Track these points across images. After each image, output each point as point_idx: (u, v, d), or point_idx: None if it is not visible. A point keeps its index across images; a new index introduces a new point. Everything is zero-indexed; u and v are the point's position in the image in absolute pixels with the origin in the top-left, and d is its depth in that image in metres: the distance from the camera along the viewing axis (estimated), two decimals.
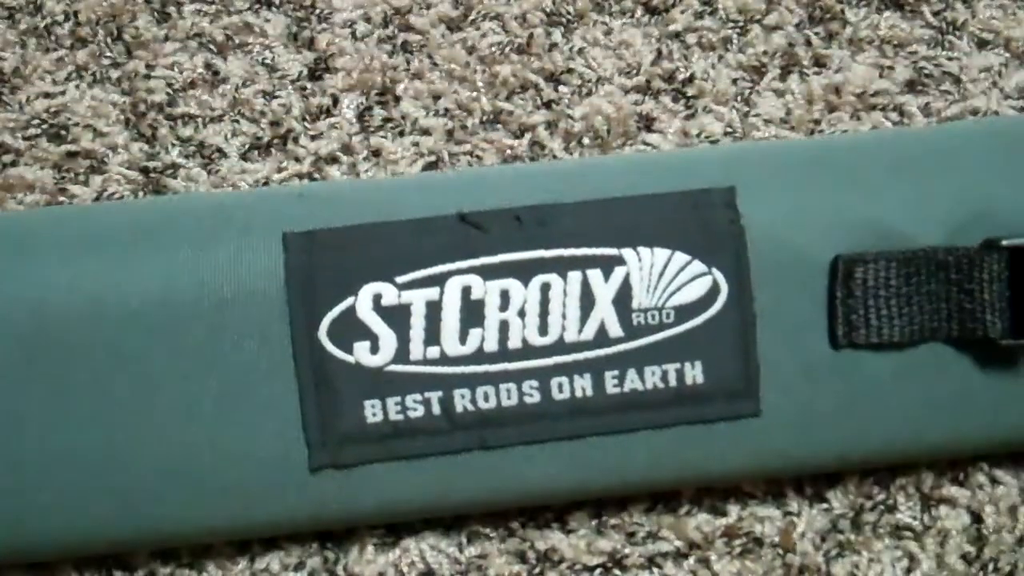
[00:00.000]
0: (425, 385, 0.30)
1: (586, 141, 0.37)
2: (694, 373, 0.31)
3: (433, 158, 0.36)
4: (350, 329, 0.30)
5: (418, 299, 0.30)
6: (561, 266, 0.31)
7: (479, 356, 0.30)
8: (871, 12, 0.38)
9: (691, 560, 0.34)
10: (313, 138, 0.36)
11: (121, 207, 0.33)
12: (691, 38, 0.38)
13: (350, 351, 0.30)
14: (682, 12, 0.38)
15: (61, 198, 0.35)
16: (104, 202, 0.35)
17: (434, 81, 0.37)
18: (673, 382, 0.31)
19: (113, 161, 0.36)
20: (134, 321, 0.30)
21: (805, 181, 0.32)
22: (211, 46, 0.37)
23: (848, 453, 0.33)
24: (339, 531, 0.34)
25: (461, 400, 0.30)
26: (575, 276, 0.31)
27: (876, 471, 0.35)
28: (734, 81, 0.37)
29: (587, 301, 0.31)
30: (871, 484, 0.35)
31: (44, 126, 0.36)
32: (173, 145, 0.36)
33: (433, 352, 0.30)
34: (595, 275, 0.31)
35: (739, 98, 0.37)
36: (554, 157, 0.36)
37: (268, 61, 0.37)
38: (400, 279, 0.30)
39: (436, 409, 0.30)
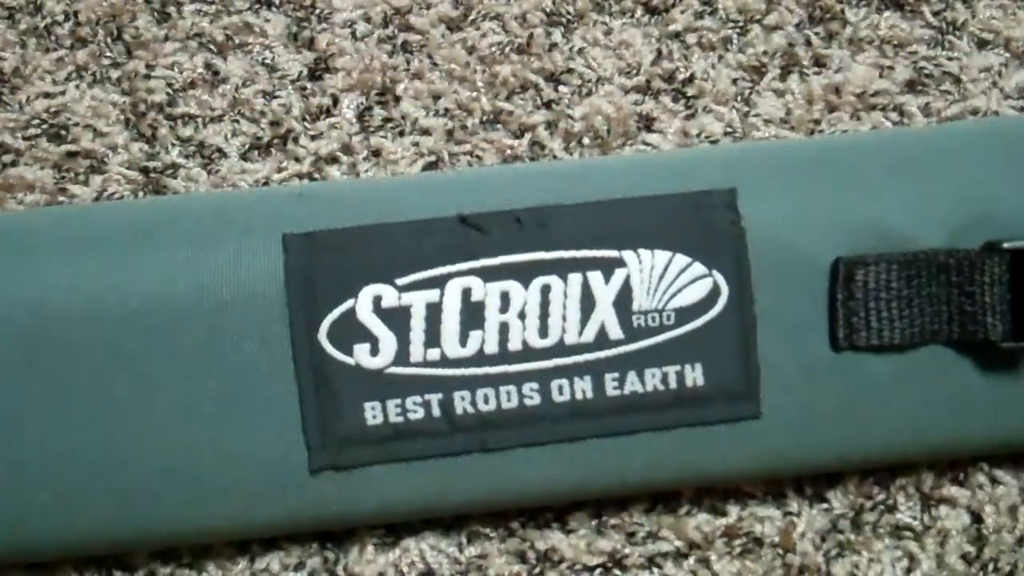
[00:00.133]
0: (425, 387, 0.30)
1: (586, 141, 0.37)
2: (694, 375, 0.31)
3: (433, 158, 0.36)
4: (350, 331, 0.30)
5: (418, 301, 0.30)
6: (561, 268, 0.31)
7: (479, 358, 0.30)
8: (871, 12, 0.38)
9: (691, 560, 0.34)
10: (313, 138, 0.36)
11: (121, 207, 0.33)
12: (691, 38, 0.38)
13: (350, 353, 0.30)
14: (682, 12, 0.38)
15: (61, 198, 0.35)
16: (104, 202, 0.35)
17: (434, 81, 0.37)
18: (673, 384, 0.31)
19: (113, 161, 0.36)
20: (134, 321, 0.30)
21: (806, 182, 0.32)
22: (211, 46, 0.37)
23: (848, 455, 0.33)
24: (339, 531, 0.34)
25: (461, 402, 0.30)
26: (575, 278, 0.31)
27: (876, 471, 0.35)
28: (734, 81, 0.37)
29: (587, 303, 0.31)
30: (871, 484, 0.35)
31: (44, 126, 0.36)
32: (173, 145, 0.36)
33: (433, 354, 0.30)
34: (595, 277, 0.31)
35: (739, 98, 0.37)
36: (554, 157, 0.36)
37: (268, 61, 0.37)
38: (400, 281, 0.30)
39: (436, 411, 0.30)
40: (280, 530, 0.33)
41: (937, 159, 0.33)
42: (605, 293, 0.31)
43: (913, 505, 0.35)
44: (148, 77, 0.36)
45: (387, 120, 0.37)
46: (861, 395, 0.32)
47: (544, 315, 0.31)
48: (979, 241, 0.31)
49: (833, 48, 0.38)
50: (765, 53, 0.38)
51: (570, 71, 0.37)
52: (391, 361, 0.30)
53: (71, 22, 0.37)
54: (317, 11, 0.37)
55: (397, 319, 0.30)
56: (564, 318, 0.31)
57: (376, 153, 0.36)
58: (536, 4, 0.38)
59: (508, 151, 0.36)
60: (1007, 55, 0.38)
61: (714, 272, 0.31)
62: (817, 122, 0.37)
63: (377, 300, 0.30)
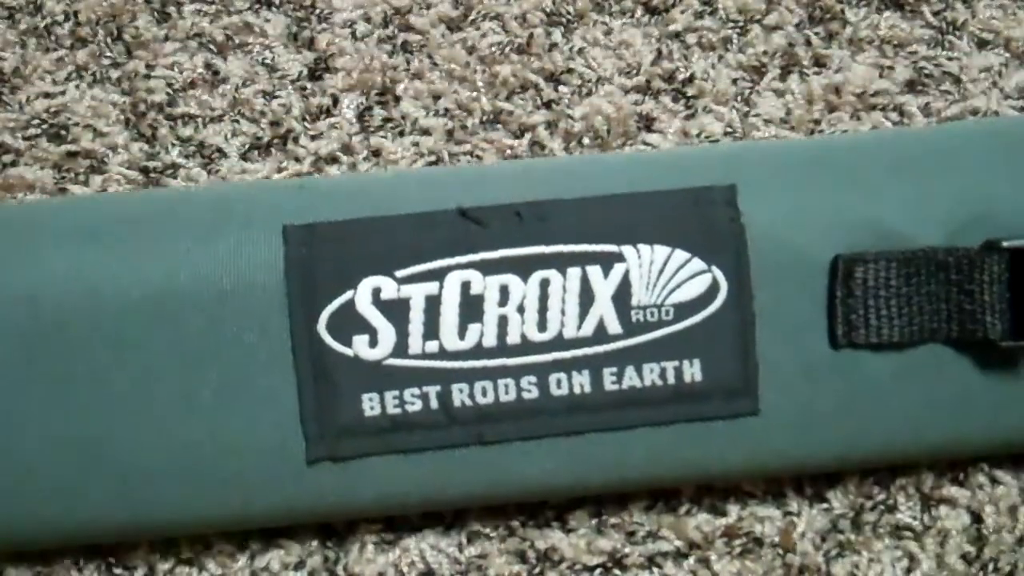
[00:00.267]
0: (423, 379, 0.30)
1: (586, 141, 0.37)
2: (693, 371, 0.31)
3: (433, 158, 0.36)
4: (349, 322, 0.30)
5: (417, 293, 0.30)
6: (561, 262, 0.31)
7: (478, 351, 0.30)
8: (871, 12, 0.38)
9: (691, 560, 0.34)
10: (313, 138, 0.36)
11: (121, 198, 0.33)
12: (691, 38, 0.38)
13: (349, 344, 0.30)
14: (682, 12, 0.38)
15: None
16: (103, 193, 0.35)
17: (434, 81, 0.37)
18: (672, 380, 0.31)
19: (113, 161, 0.36)
20: (133, 312, 0.30)
21: (805, 180, 0.32)
22: (211, 46, 0.37)
23: (847, 453, 0.33)
24: (339, 530, 0.34)
25: (459, 395, 0.30)
26: (575, 272, 0.31)
27: (876, 471, 0.35)
28: (734, 81, 0.37)
29: (586, 298, 0.31)
30: (871, 484, 0.35)
31: (44, 126, 0.36)
32: (173, 145, 0.36)
33: (432, 346, 0.30)
34: (595, 272, 0.31)
35: (739, 98, 0.37)
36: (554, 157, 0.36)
37: (268, 61, 0.37)
38: (399, 273, 0.30)
39: (434, 403, 0.30)
40: (277, 520, 0.33)
41: (937, 159, 0.33)
42: (604, 288, 0.31)
43: (913, 505, 0.35)
44: (148, 77, 0.36)
45: (387, 120, 0.37)
46: (860, 393, 0.32)
47: (543, 309, 0.31)
48: (979, 240, 0.31)
49: (833, 48, 0.38)
50: (765, 53, 0.38)
51: (570, 71, 0.37)
52: (389, 353, 0.30)
53: (71, 22, 0.37)
54: (317, 11, 0.37)
55: (396, 311, 0.30)
56: (563, 312, 0.31)
57: (376, 153, 0.36)
58: (536, 4, 0.38)
59: (508, 151, 0.36)
60: (1007, 55, 0.38)
61: (713, 268, 0.31)
62: (817, 122, 0.37)
63: (376, 292, 0.30)
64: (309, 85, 0.37)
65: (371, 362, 0.30)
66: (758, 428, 0.31)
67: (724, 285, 0.31)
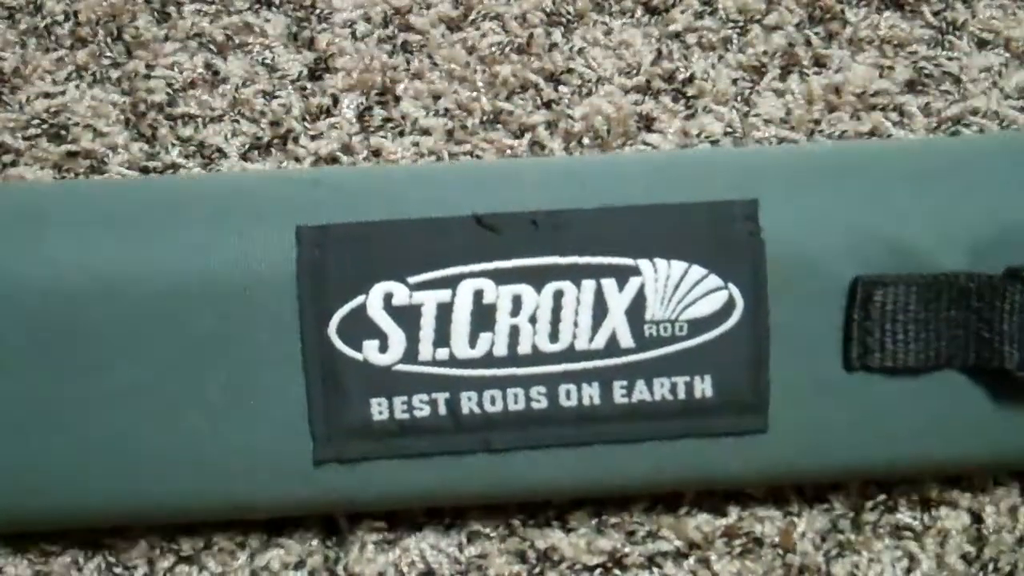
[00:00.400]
0: (432, 386, 0.30)
1: (586, 141, 0.37)
2: (703, 387, 0.31)
3: (433, 158, 0.36)
4: (360, 327, 0.30)
5: (429, 300, 0.30)
6: (575, 274, 0.30)
7: (488, 360, 0.30)
8: (871, 12, 0.38)
9: (691, 560, 0.34)
10: (313, 138, 0.36)
11: (134, 185, 0.33)
12: (691, 38, 0.38)
13: (359, 349, 0.30)
14: (682, 12, 0.38)
15: None
16: (117, 179, 0.35)
17: (434, 81, 0.37)
18: (682, 395, 0.31)
19: (113, 161, 0.36)
20: (144, 305, 0.30)
21: (827, 194, 0.32)
22: (211, 46, 0.37)
23: (853, 472, 0.33)
24: (340, 530, 0.34)
25: (468, 402, 0.30)
26: (589, 284, 0.31)
27: None
28: (734, 81, 0.37)
29: (600, 310, 0.31)
30: (872, 485, 0.35)
31: (44, 126, 0.36)
32: (173, 145, 0.36)
33: (442, 354, 0.30)
34: (609, 284, 0.31)
35: (739, 98, 0.37)
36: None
37: (268, 61, 0.37)
38: (412, 279, 0.30)
39: (442, 410, 0.30)
40: (281, 515, 0.33)
41: (962, 175, 0.32)
42: (618, 301, 0.31)
43: (913, 505, 0.35)
44: (148, 77, 0.36)
45: (387, 120, 0.37)
46: (870, 416, 0.31)
47: (555, 320, 0.30)
48: (1001, 262, 0.31)
49: (833, 48, 0.38)
50: (765, 53, 0.38)
51: (570, 71, 0.37)
52: (399, 359, 0.30)
53: (71, 22, 0.37)
54: (317, 11, 0.37)
55: (407, 317, 0.30)
56: (575, 324, 0.31)
57: (376, 153, 0.36)
58: (536, 4, 0.38)
59: (508, 151, 0.36)
60: (1007, 55, 0.38)
61: (730, 285, 0.31)
62: (817, 122, 0.37)
63: (388, 297, 0.30)
64: (309, 85, 0.37)
65: (381, 367, 0.30)
66: (766, 445, 0.31)
67: (740, 303, 0.31)
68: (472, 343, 0.30)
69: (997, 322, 0.31)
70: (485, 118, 0.37)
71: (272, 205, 0.31)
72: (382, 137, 0.36)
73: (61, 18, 0.37)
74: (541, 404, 0.31)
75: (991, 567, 0.35)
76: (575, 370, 0.31)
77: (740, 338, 0.31)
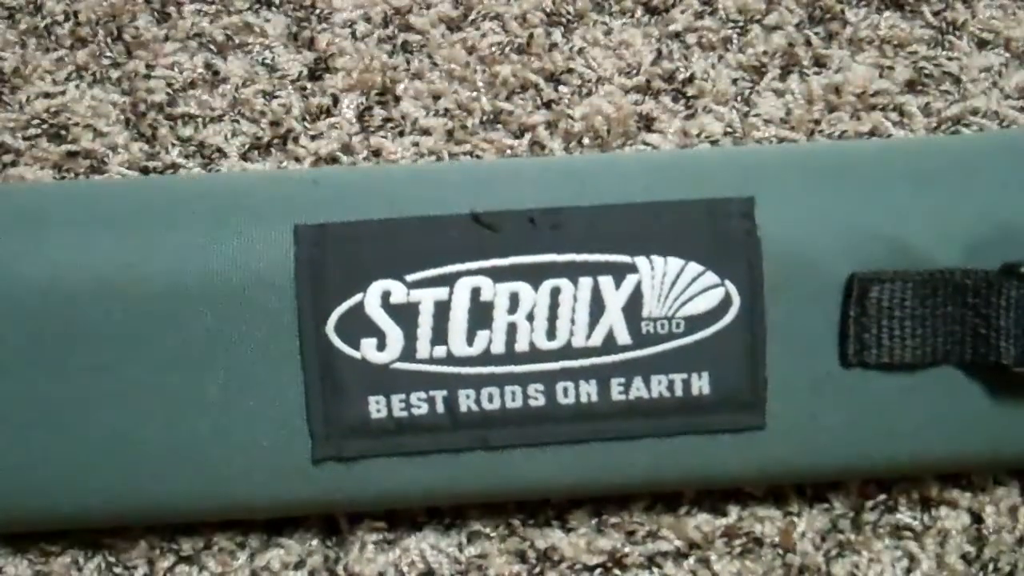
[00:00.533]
0: (430, 384, 0.30)
1: (586, 141, 0.37)
2: (700, 384, 0.31)
3: (433, 158, 0.36)
4: (358, 325, 0.30)
5: (427, 298, 0.30)
6: (572, 271, 0.31)
7: (485, 357, 0.30)
8: (871, 12, 0.38)
9: (691, 560, 0.34)
10: (313, 138, 0.36)
11: (133, 185, 0.34)
12: (691, 38, 0.38)
13: (357, 347, 0.30)
14: (682, 12, 0.38)
15: None
16: (116, 179, 0.35)
17: (434, 81, 0.37)
18: (679, 392, 0.31)
19: (113, 161, 0.36)
20: (143, 304, 0.30)
21: (825, 192, 0.32)
22: (211, 46, 0.37)
23: (851, 468, 0.33)
24: (340, 530, 0.34)
25: (465, 400, 0.30)
26: (586, 282, 0.31)
27: None
28: (734, 81, 0.37)
29: (597, 307, 0.31)
30: (872, 485, 0.35)
31: (44, 126, 0.36)
32: (173, 145, 0.36)
33: (440, 351, 0.30)
34: (606, 282, 0.31)
35: (739, 98, 0.37)
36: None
37: (268, 61, 0.37)
38: (410, 277, 0.30)
39: (440, 408, 0.30)
40: (280, 515, 0.33)
41: (960, 173, 0.32)
42: (615, 298, 0.31)
43: (913, 505, 0.35)
44: (148, 77, 0.36)
45: (387, 120, 0.37)
46: (867, 412, 0.32)
47: (552, 317, 0.31)
48: (998, 259, 0.31)
49: (833, 48, 0.38)
50: (765, 53, 0.38)
51: (570, 71, 0.37)
52: (397, 357, 0.30)
53: (71, 22, 0.37)
54: (317, 11, 0.37)
55: (405, 315, 0.30)
56: (573, 321, 0.31)
57: (376, 153, 0.36)
58: (536, 4, 0.38)
59: (508, 151, 0.36)
60: (1007, 55, 0.38)
61: (727, 282, 0.31)
62: (817, 122, 0.37)
63: (386, 295, 0.30)
64: (309, 85, 0.37)
65: (378, 365, 0.30)
66: (763, 442, 0.31)
67: (737, 299, 0.31)
68: (470, 341, 0.30)
69: (993, 318, 0.31)
70: (485, 118, 0.37)
71: (271, 205, 0.31)
72: (382, 137, 0.36)
73: (61, 18, 0.37)
74: (539, 402, 0.31)
75: (991, 567, 0.35)
76: (572, 367, 0.31)
77: (737, 335, 0.31)
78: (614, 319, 0.31)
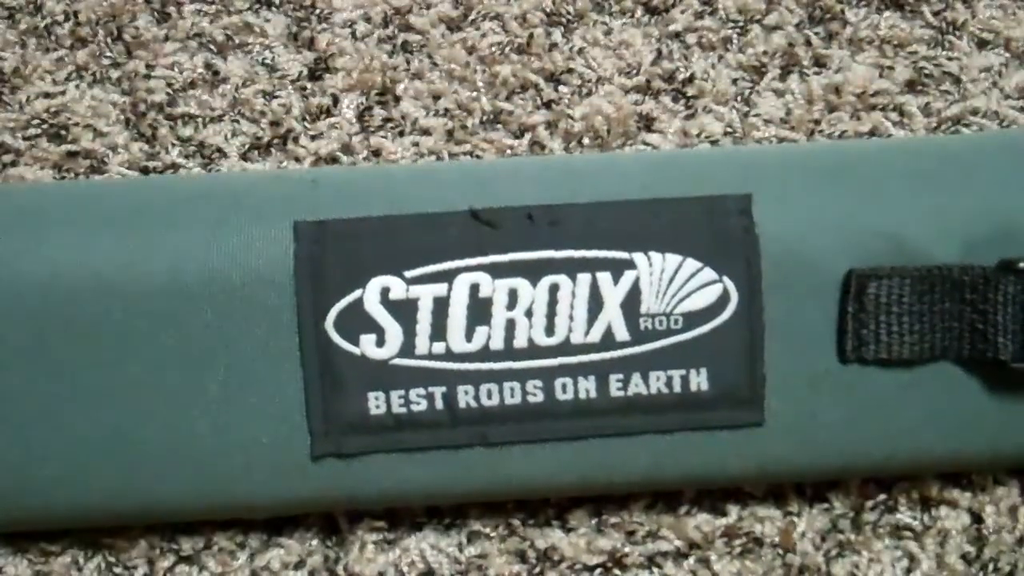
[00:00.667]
0: (429, 380, 0.30)
1: (586, 141, 0.37)
2: (699, 380, 0.31)
3: (433, 158, 0.36)
4: (357, 321, 0.30)
5: (426, 294, 0.30)
6: (571, 267, 0.31)
7: (484, 354, 0.30)
8: (871, 12, 0.38)
9: (691, 560, 0.34)
10: (313, 138, 0.36)
11: (133, 184, 0.34)
12: (691, 38, 0.38)
13: (356, 343, 0.30)
14: (682, 12, 0.38)
15: None
16: (116, 179, 0.35)
17: (434, 81, 0.37)
18: (677, 388, 0.31)
19: (113, 161, 0.36)
20: (143, 302, 0.30)
21: (822, 190, 0.32)
22: (211, 46, 0.37)
23: (849, 465, 0.33)
24: (340, 529, 0.34)
25: (464, 396, 0.30)
26: (584, 278, 0.31)
27: None
28: (734, 81, 0.37)
29: (595, 303, 0.31)
30: (872, 485, 0.35)
31: (44, 126, 0.36)
32: (173, 145, 0.36)
33: (439, 348, 0.30)
34: (604, 278, 0.31)
35: (739, 98, 0.37)
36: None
37: (268, 61, 0.37)
38: (409, 273, 0.30)
39: (439, 404, 0.30)
40: (280, 513, 0.33)
41: (957, 171, 0.32)
42: (613, 294, 0.31)
43: (913, 505, 0.35)
44: (148, 77, 0.36)
45: (387, 120, 0.37)
46: (866, 408, 0.32)
47: (551, 314, 0.31)
48: (995, 257, 0.31)
49: (833, 48, 0.38)
50: (765, 53, 0.38)
51: (570, 71, 0.37)
52: (396, 353, 0.30)
53: (71, 22, 0.37)
54: (317, 11, 0.37)
55: (404, 311, 0.30)
56: (571, 317, 0.31)
57: (376, 153, 0.36)
58: (536, 4, 0.38)
59: (508, 151, 0.36)
60: (1007, 55, 0.38)
61: (724, 278, 0.31)
62: (817, 122, 0.37)
63: (385, 292, 0.30)
64: (309, 85, 0.37)
65: (378, 361, 0.30)
66: (762, 438, 0.31)
67: (735, 296, 0.31)
68: (468, 337, 0.30)
69: (991, 313, 0.31)
70: (485, 118, 0.37)
71: (270, 204, 0.31)
72: (382, 137, 0.36)
73: (61, 18, 0.37)
74: (537, 398, 0.31)
75: (991, 567, 0.35)
76: (571, 364, 0.31)
77: (735, 331, 0.31)
78: (612, 315, 0.31)
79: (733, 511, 0.35)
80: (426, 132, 0.37)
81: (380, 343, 0.30)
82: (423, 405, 0.30)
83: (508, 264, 0.30)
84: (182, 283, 0.30)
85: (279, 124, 0.36)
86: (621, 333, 0.31)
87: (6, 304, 0.30)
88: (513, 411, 0.31)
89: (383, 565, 0.34)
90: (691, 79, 0.37)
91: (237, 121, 0.36)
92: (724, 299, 0.31)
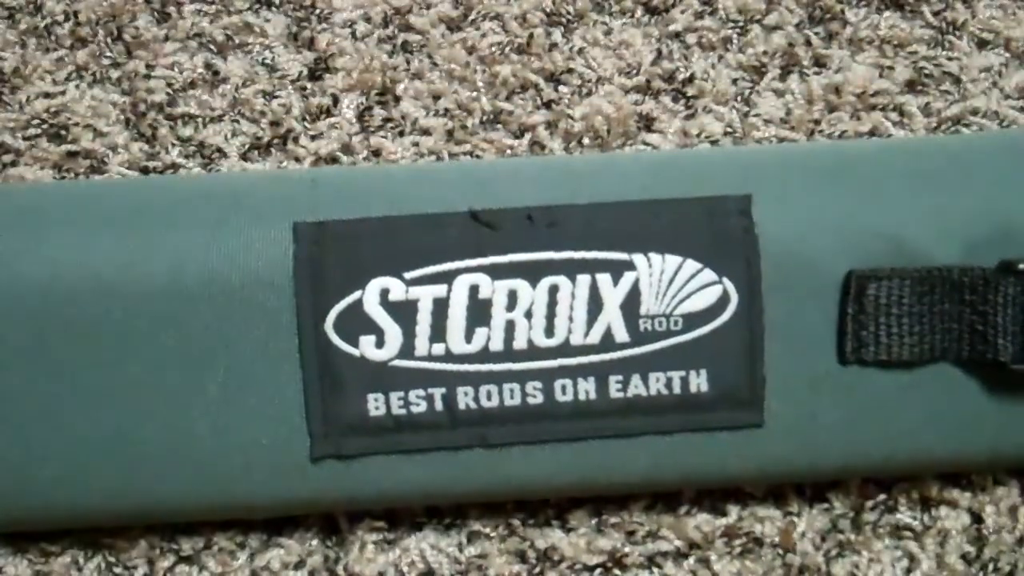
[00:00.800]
0: (429, 381, 0.30)
1: (586, 141, 0.37)
2: (699, 381, 0.31)
3: (433, 158, 0.36)
4: (356, 322, 0.30)
5: (425, 295, 0.30)
6: (570, 268, 0.31)
7: (484, 355, 0.30)
8: (871, 12, 0.38)
9: (691, 560, 0.34)
10: (313, 138, 0.36)
11: (133, 185, 0.34)
12: (691, 38, 0.38)
13: (356, 344, 0.30)
14: (682, 12, 0.38)
15: None
16: (116, 179, 0.35)
17: (434, 81, 0.37)
18: (677, 389, 0.31)
19: (113, 161, 0.36)
20: (143, 303, 0.30)
21: (823, 190, 0.32)
22: (211, 46, 0.37)
23: (849, 466, 0.33)
24: (340, 529, 0.34)
25: (464, 397, 0.30)
26: (584, 279, 0.31)
27: None
28: (734, 81, 0.37)
29: (595, 305, 0.31)
30: (871, 485, 0.35)
31: (44, 126, 0.36)
32: (173, 145, 0.36)
33: (438, 349, 0.30)
34: (604, 279, 0.31)
35: (739, 98, 0.37)
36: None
37: (268, 61, 0.37)
38: (408, 275, 0.30)
39: (439, 405, 0.30)
40: (279, 513, 0.33)
41: (957, 171, 0.32)
42: (613, 295, 0.31)
43: (913, 505, 0.35)
44: (148, 77, 0.36)
45: (387, 120, 0.37)
46: (865, 409, 0.32)
47: (551, 315, 0.31)
48: (995, 258, 0.31)
49: (833, 48, 0.38)
50: (765, 53, 0.38)
51: (570, 71, 0.37)
52: (396, 354, 0.30)
53: (71, 22, 0.37)
54: (317, 11, 0.37)
55: (403, 313, 0.30)
56: (571, 319, 0.31)
57: (376, 153, 0.36)
58: (536, 4, 0.38)
59: (508, 151, 0.36)
60: (1007, 55, 0.38)
61: (724, 279, 0.31)
62: (817, 122, 0.37)
63: (384, 293, 0.30)
64: (309, 85, 0.37)
65: (377, 363, 0.30)
66: (761, 439, 0.31)
67: (735, 297, 0.31)
68: (468, 338, 0.30)
69: (991, 315, 0.31)
70: (485, 118, 0.37)
71: (270, 205, 0.31)
72: (382, 137, 0.36)
73: (61, 18, 0.37)
74: (537, 399, 0.31)
75: (991, 567, 0.35)
76: (571, 365, 0.31)
77: (735, 333, 0.31)
78: (612, 317, 0.31)
79: (733, 511, 0.35)
80: (426, 132, 0.37)
81: (380, 344, 0.30)
82: (423, 406, 0.30)
83: (508, 265, 0.30)
84: (182, 284, 0.30)
85: (279, 124, 0.36)
86: (621, 334, 0.31)
87: (6, 304, 0.30)
88: (513, 412, 0.31)
89: (383, 565, 0.34)
90: (691, 79, 0.37)
91: (237, 121, 0.36)
92: (724, 300, 0.31)
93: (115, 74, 0.37)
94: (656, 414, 0.31)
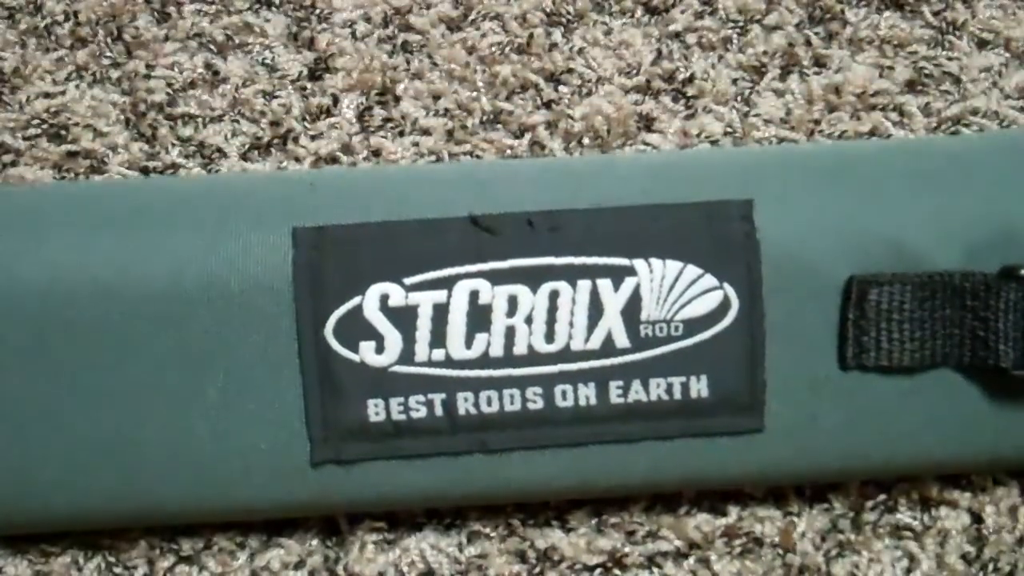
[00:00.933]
0: (429, 387, 0.30)
1: (586, 141, 0.37)
2: (699, 387, 0.31)
3: (433, 158, 0.36)
4: (356, 328, 0.30)
5: (425, 301, 0.30)
6: (571, 274, 0.30)
7: (484, 360, 0.30)
8: (871, 12, 0.38)
9: (691, 560, 0.34)
10: (313, 138, 0.36)
11: (133, 186, 0.33)
12: (691, 38, 0.38)
13: (355, 350, 0.30)
14: (682, 12, 0.38)
15: None
16: (116, 180, 0.35)
17: (434, 81, 0.37)
18: (678, 395, 0.31)
19: (113, 161, 0.36)
20: (143, 307, 0.30)
21: (824, 194, 0.32)
22: (211, 46, 0.37)
23: (849, 470, 0.33)
24: (340, 530, 0.34)
25: (464, 403, 0.30)
26: (584, 285, 0.31)
27: None
28: (734, 81, 0.37)
29: (595, 310, 0.31)
30: (871, 485, 0.35)
31: (44, 126, 0.36)
32: (173, 145, 0.36)
33: (438, 354, 0.30)
34: (605, 285, 0.31)
35: (739, 98, 0.37)
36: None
37: (268, 61, 0.37)
38: (408, 280, 0.30)
39: (439, 411, 0.30)
40: (279, 517, 0.33)
41: (960, 173, 0.32)
42: (614, 301, 0.31)
43: (913, 505, 0.35)
44: (148, 77, 0.36)
45: (387, 120, 0.37)
46: (866, 415, 0.31)
47: (551, 320, 0.30)
48: (997, 262, 0.31)
49: (833, 48, 0.38)
50: (765, 53, 0.38)
51: (570, 71, 0.37)
52: (396, 360, 0.30)
53: (71, 22, 0.37)
54: (317, 11, 0.37)
55: (403, 318, 0.30)
56: (571, 324, 0.31)
57: (376, 153, 0.36)
58: (536, 4, 0.38)
59: (508, 151, 0.36)
60: (1007, 55, 0.38)
61: (725, 285, 0.31)
62: (817, 122, 0.37)
63: (384, 298, 0.30)
64: (309, 85, 0.37)
65: (377, 368, 0.30)
66: (762, 444, 0.31)
67: (736, 302, 0.31)
68: (468, 344, 0.30)
69: (992, 320, 0.31)
70: (485, 118, 0.37)
71: (270, 207, 0.31)
72: (382, 137, 0.36)
73: (61, 18, 0.37)
74: (537, 405, 0.31)
75: (991, 567, 0.35)
76: (571, 370, 0.31)
77: (736, 338, 0.31)
78: (612, 322, 0.31)
79: (733, 511, 0.35)
80: (426, 132, 0.37)
81: (379, 350, 0.30)
82: (423, 412, 0.30)
83: (508, 271, 0.30)
84: (181, 288, 0.30)
85: (279, 124, 0.36)
86: (621, 340, 0.31)
87: (5, 306, 0.30)
88: (513, 418, 0.30)
89: (383, 565, 0.34)
90: (691, 79, 0.37)
91: (237, 121, 0.36)
92: (725, 306, 0.31)
93: (115, 74, 0.37)
94: (657, 419, 0.31)
